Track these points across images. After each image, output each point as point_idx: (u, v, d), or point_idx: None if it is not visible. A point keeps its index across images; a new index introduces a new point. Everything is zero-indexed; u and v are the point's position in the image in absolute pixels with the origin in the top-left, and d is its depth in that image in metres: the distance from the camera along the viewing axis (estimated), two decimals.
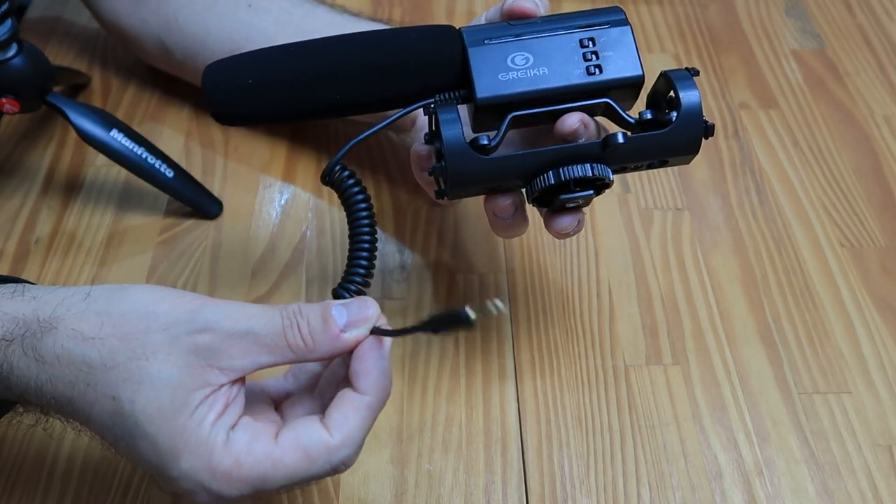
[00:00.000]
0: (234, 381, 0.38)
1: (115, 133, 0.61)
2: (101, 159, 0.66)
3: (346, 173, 0.44)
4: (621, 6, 0.46)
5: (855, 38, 0.83)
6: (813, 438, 0.54)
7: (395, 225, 0.65)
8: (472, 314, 0.36)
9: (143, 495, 0.50)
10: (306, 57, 0.44)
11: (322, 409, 0.40)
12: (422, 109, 0.45)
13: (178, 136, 0.71)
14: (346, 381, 0.40)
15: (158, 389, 0.37)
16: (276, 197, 0.67)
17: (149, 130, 0.70)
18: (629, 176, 0.68)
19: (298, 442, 0.37)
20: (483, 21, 0.49)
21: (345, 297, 0.43)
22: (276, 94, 0.44)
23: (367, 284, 0.43)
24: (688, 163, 0.47)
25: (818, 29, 0.84)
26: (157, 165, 0.62)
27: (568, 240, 0.64)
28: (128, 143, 0.61)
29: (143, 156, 0.62)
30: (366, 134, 0.45)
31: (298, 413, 0.41)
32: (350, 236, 0.44)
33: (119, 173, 0.67)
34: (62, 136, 0.70)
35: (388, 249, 0.63)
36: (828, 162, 0.71)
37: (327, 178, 0.44)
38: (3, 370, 0.39)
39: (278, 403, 0.43)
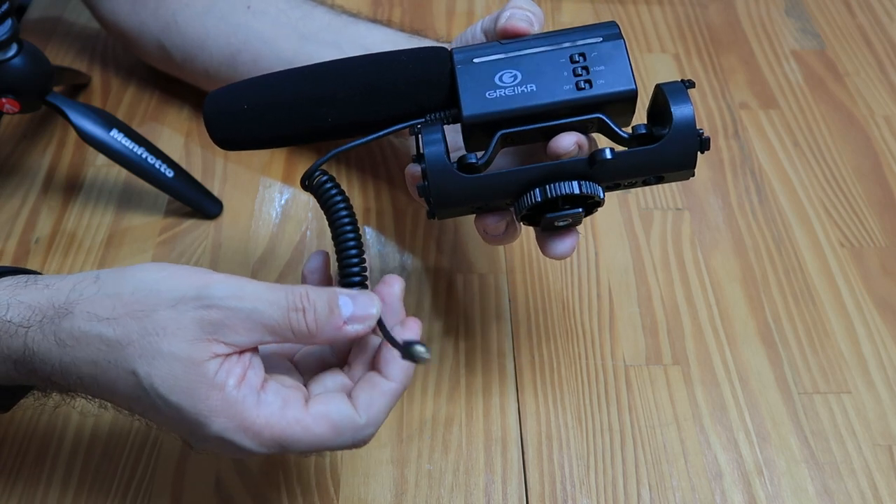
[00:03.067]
0: (244, 351, 0.40)
1: (115, 133, 0.61)
2: (101, 159, 0.66)
3: (325, 178, 0.44)
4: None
5: (855, 38, 0.83)
6: (813, 438, 0.54)
7: (395, 226, 0.65)
8: (425, 352, 0.39)
9: (144, 493, 0.50)
10: (301, 82, 0.45)
11: (345, 372, 0.43)
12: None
13: (178, 136, 0.71)
14: (362, 351, 0.43)
15: (170, 363, 0.38)
16: (276, 197, 0.67)
17: (149, 130, 0.70)
18: None
19: (329, 416, 0.40)
20: (478, 28, 0.49)
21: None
22: (273, 119, 0.45)
23: (364, 272, 0.44)
24: (686, 178, 0.45)
25: (818, 29, 0.84)
26: (157, 165, 0.62)
27: None
28: (128, 143, 0.61)
29: (143, 156, 0.62)
30: (349, 146, 0.45)
31: (328, 385, 0.43)
32: (333, 237, 0.44)
33: (119, 173, 0.67)
34: (62, 136, 0.70)
35: (388, 250, 0.63)
36: (828, 162, 0.71)
37: (306, 183, 0.45)
38: (25, 355, 0.41)
39: (293, 359, 0.45)
